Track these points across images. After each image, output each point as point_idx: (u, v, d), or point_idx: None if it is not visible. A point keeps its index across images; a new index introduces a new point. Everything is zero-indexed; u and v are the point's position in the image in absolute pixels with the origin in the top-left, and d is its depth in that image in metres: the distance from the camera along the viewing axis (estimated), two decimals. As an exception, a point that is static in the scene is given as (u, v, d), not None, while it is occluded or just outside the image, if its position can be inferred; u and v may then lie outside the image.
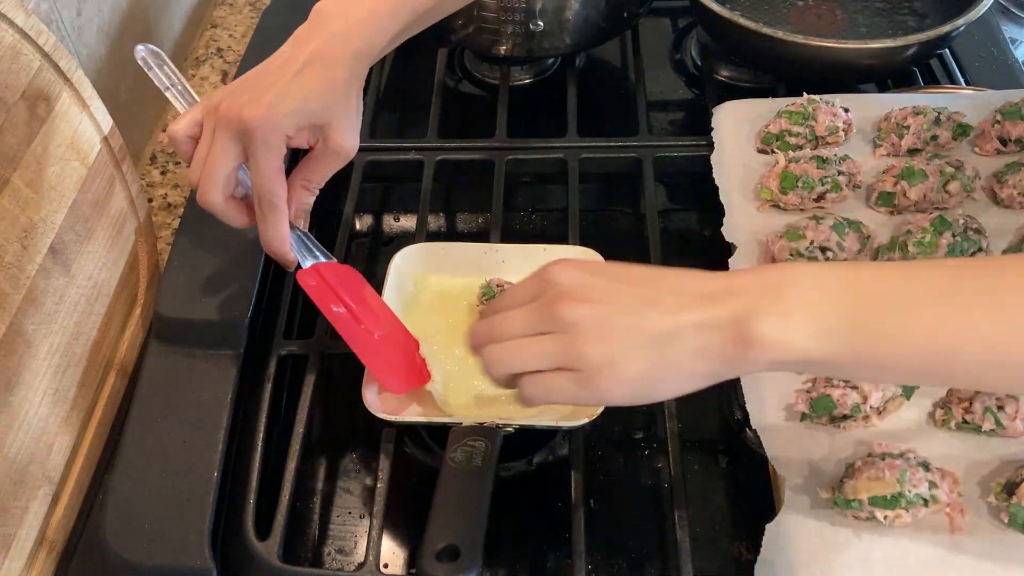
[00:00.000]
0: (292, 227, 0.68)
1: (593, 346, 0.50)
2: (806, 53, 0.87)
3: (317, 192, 0.70)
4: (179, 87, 0.73)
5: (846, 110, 0.82)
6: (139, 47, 0.73)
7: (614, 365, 0.50)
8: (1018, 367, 0.46)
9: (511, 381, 0.54)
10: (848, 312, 0.47)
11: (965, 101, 0.84)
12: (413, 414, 0.67)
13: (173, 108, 1.04)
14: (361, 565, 0.61)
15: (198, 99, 0.72)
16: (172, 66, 0.74)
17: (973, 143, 0.81)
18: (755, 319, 0.48)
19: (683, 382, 0.51)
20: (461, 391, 0.68)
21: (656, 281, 0.52)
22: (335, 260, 0.71)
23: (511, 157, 0.86)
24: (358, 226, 0.90)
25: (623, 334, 0.50)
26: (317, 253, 0.71)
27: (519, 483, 0.69)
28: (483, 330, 0.56)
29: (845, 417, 0.63)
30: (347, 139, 0.67)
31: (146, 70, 0.73)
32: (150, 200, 0.92)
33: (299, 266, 0.69)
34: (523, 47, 0.95)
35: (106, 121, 0.74)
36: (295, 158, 0.70)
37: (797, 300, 0.48)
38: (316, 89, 0.63)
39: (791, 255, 0.71)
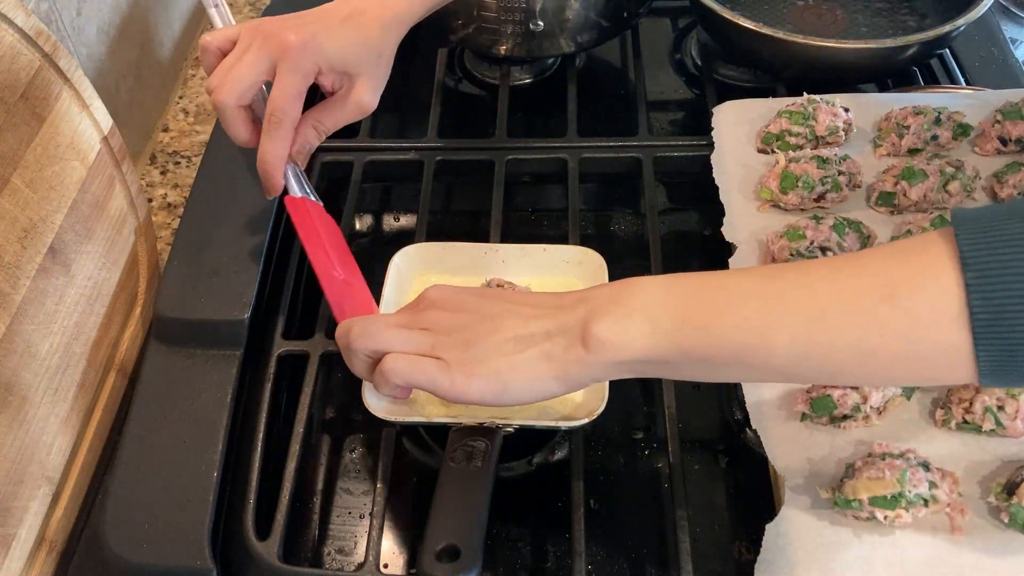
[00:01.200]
0: (290, 161, 0.72)
1: (454, 344, 0.55)
2: (806, 53, 0.87)
3: (324, 138, 0.73)
4: (222, 8, 0.75)
5: (846, 110, 0.82)
6: None
7: (471, 361, 0.54)
8: (824, 356, 0.49)
9: (371, 368, 0.58)
10: (676, 313, 0.51)
11: (965, 101, 0.84)
12: (413, 414, 0.67)
13: (173, 108, 1.04)
14: (361, 565, 0.61)
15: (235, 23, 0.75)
16: None
17: (973, 143, 0.81)
18: (595, 321, 0.52)
19: (535, 383, 0.54)
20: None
21: (519, 297, 0.58)
22: (322, 205, 0.74)
23: (511, 157, 0.86)
24: (358, 226, 0.90)
25: (482, 337, 0.55)
26: (308, 189, 0.73)
27: (519, 483, 0.69)
28: (350, 321, 0.60)
29: (845, 417, 0.63)
30: (370, 95, 0.71)
31: None
32: (150, 200, 0.92)
33: (285, 192, 0.72)
34: (523, 47, 0.95)
35: (106, 121, 0.74)
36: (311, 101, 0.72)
37: (634, 304, 0.52)
38: (356, 38, 0.68)
39: (791, 255, 0.71)
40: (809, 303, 0.49)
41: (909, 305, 0.47)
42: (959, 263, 0.46)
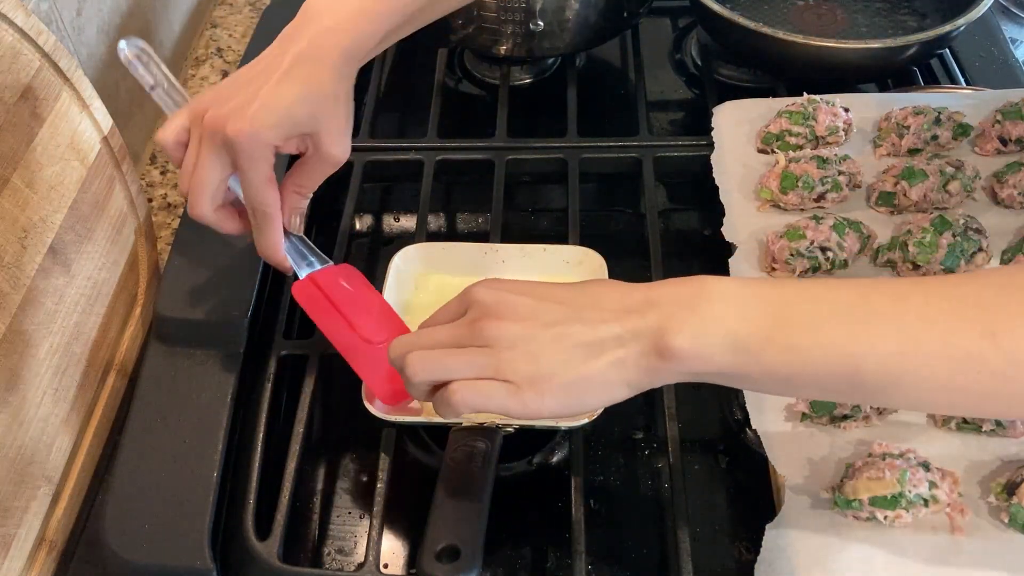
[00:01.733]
0: (287, 233, 0.68)
1: (520, 360, 0.51)
2: (806, 53, 0.87)
3: (310, 196, 0.69)
4: (165, 85, 0.70)
5: (846, 110, 0.82)
6: (122, 43, 0.69)
7: (541, 379, 0.51)
8: (912, 386, 0.48)
9: (431, 393, 0.54)
10: (759, 328, 0.49)
11: (965, 101, 0.84)
12: (413, 414, 0.67)
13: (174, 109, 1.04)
14: (361, 565, 0.61)
15: (188, 97, 0.70)
16: (159, 61, 0.71)
17: (973, 143, 0.81)
18: (672, 332, 0.49)
19: (607, 392, 0.52)
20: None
21: (577, 296, 0.53)
22: (331, 264, 0.71)
23: (511, 157, 0.86)
24: (358, 226, 0.90)
25: (547, 348, 0.51)
26: (312, 259, 0.70)
27: (519, 483, 0.69)
28: (406, 341, 0.56)
29: (845, 417, 0.63)
30: (337, 145, 0.65)
31: (131, 70, 0.70)
32: (150, 200, 0.92)
33: (295, 274, 0.69)
34: (523, 47, 0.95)
35: (106, 121, 0.74)
36: (293, 158, 0.70)
37: (711, 314, 0.49)
38: (301, 95, 0.61)
39: (791, 255, 0.71)
40: (903, 334, 0.48)
41: (1010, 347, 0.46)
42: None
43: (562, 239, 0.78)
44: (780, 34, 0.86)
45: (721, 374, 0.50)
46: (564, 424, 0.64)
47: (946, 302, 0.48)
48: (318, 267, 0.70)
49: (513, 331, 0.52)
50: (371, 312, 0.69)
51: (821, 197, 0.76)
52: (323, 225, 0.86)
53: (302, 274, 0.69)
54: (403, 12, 0.66)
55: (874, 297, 0.49)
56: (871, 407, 0.62)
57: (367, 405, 0.64)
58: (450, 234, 0.90)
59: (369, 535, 0.62)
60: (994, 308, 0.47)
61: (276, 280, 0.77)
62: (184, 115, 0.65)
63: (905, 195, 0.75)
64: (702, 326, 0.49)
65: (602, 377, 0.51)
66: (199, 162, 0.62)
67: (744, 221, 0.77)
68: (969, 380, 0.47)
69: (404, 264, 0.75)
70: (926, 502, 0.57)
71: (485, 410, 0.53)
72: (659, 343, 0.49)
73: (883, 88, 0.94)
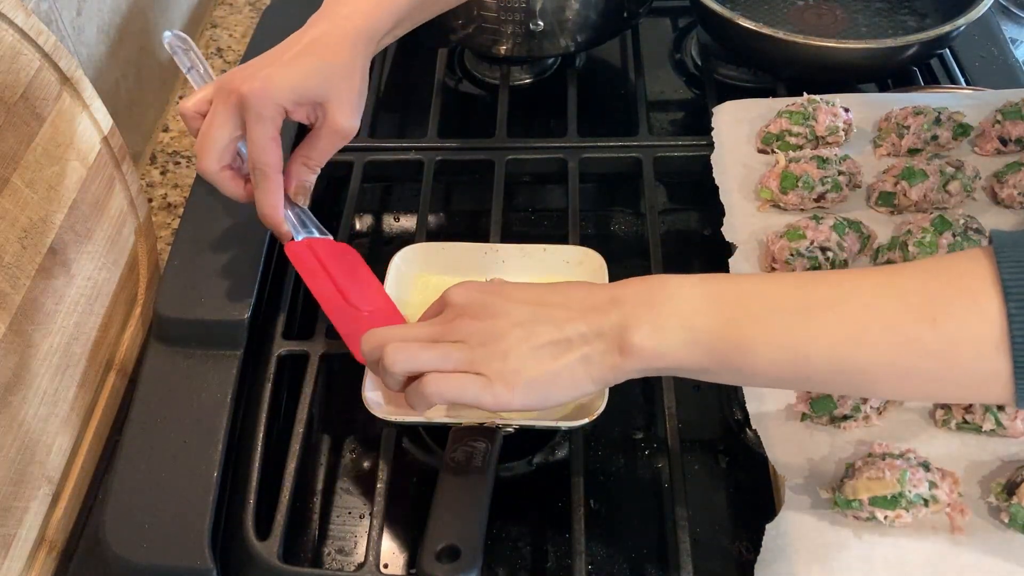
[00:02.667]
0: (291, 203, 0.70)
1: (491, 356, 0.55)
2: (806, 53, 0.87)
3: (318, 171, 0.71)
4: (200, 70, 0.76)
5: (846, 110, 0.82)
6: (167, 33, 0.77)
7: (510, 373, 0.54)
8: (856, 372, 0.50)
9: (404, 384, 0.58)
10: (712, 325, 0.52)
11: (965, 101, 0.84)
12: (413, 414, 0.67)
13: (173, 108, 1.05)
14: (361, 565, 0.61)
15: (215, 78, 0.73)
16: (197, 51, 0.77)
17: (973, 143, 0.81)
18: (631, 329, 0.52)
19: (574, 388, 0.55)
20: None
21: (547, 296, 0.57)
22: (331, 238, 0.73)
23: (511, 157, 0.86)
24: (358, 226, 0.90)
25: (517, 346, 0.54)
26: (312, 230, 0.72)
27: (519, 483, 0.69)
28: (379, 337, 0.59)
29: (845, 417, 0.63)
30: (346, 118, 0.68)
31: (171, 54, 0.76)
32: (150, 200, 0.92)
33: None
34: (523, 47, 0.95)
35: (106, 121, 0.74)
36: (301, 135, 0.71)
37: (668, 311, 0.52)
38: (316, 65, 0.65)
39: (791, 255, 0.71)
40: (847, 322, 0.50)
41: (949, 329, 0.47)
42: (1001, 290, 0.46)
43: (562, 239, 0.78)
44: (780, 34, 0.86)
45: (680, 368, 0.53)
46: (564, 424, 0.64)
47: (887, 289, 0.50)
48: (317, 235, 0.72)
49: (485, 329, 0.56)
50: (363, 285, 0.71)
51: (821, 197, 0.76)
52: (323, 225, 0.86)
53: (298, 236, 0.71)
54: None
55: (821, 289, 0.52)
56: (871, 407, 0.62)
57: (367, 405, 0.64)
58: (450, 234, 0.90)
59: (369, 535, 0.62)
60: (933, 292, 0.49)
61: (276, 280, 0.77)
62: (208, 89, 0.68)
63: (905, 195, 0.75)
64: (659, 324, 0.52)
65: (568, 373, 0.54)
66: (210, 119, 0.66)
67: (744, 221, 0.77)
68: (913, 364, 0.48)
69: (404, 264, 0.75)
70: (926, 502, 0.57)
71: (458, 401, 0.56)
72: (620, 340, 0.52)
73: (883, 88, 0.94)
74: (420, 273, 0.76)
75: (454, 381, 0.55)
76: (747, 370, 0.52)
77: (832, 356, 0.50)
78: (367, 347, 0.59)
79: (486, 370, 0.55)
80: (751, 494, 0.65)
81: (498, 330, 0.55)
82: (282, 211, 0.69)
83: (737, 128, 0.84)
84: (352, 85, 0.67)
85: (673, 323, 0.52)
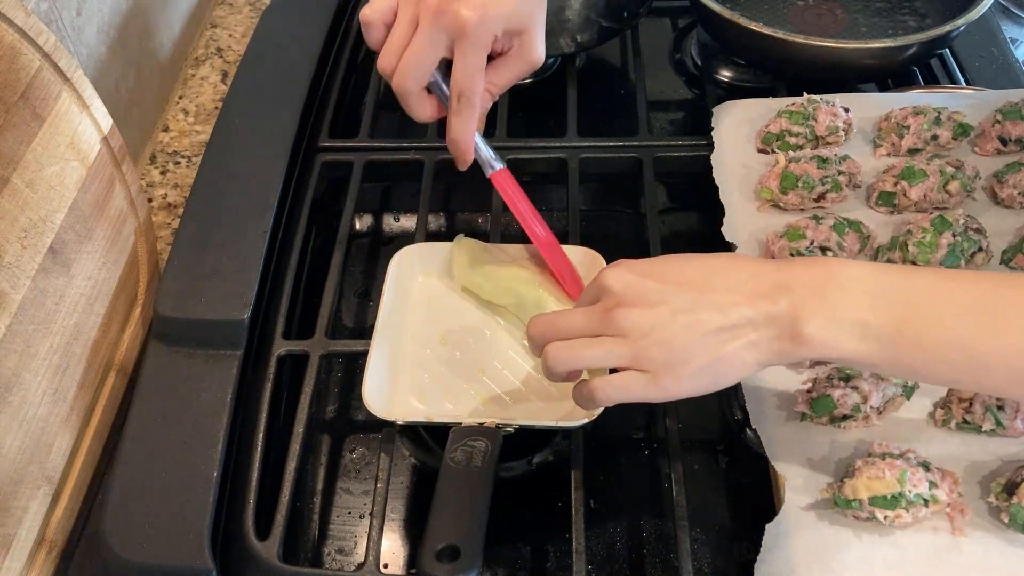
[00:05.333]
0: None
1: (654, 348, 0.53)
2: (806, 53, 0.86)
3: (497, 97, 0.71)
4: None
5: (846, 110, 0.82)
6: None
7: (677, 364, 0.53)
8: None
9: (567, 378, 0.58)
10: (889, 320, 0.50)
11: (965, 101, 0.84)
12: (413, 414, 0.67)
13: (173, 108, 1.04)
14: (361, 565, 0.61)
15: None
16: None
17: (973, 143, 0.81)
18: (803, 320, 0.51)
19: (740, 371, 0.54)
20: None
21: (707, 277, 0.55)
22: (505, 166, 0.74)
23: (511, 157, 0.86)
24: (358, 226, 0.90)
25: (682, 334, 0.53)
26: (495, 155, 0.73)
27: (519, 483, 0.69)
28: (543, 326, 0.58)
29: (845, 417, 0.63)
30: (540, 47, 0.68)
31: None
32: (150, 200, 0.92)
33: (474, 166, 0.72)
34: (523, 47, 0.94)
35: (106, 121, 0.74)
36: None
37: (843, 303, 0.51)
38: None
39: (791, 255, 0.71)
40: None
41: None
42: None
43: (562, 239, 0.77)
44: (780, 34, 0.86)
45: (849, 361, 0.52)
46: (564, 424, 0.64)
47: None
48: (502, 165, 0.73)
49: (645, 319, 0.54)
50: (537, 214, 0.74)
51: (821, 197, 0.76)
52: (323, 225, 0.86)
53: (497, 165, 0.72)
54: None
55: (1004, 292, 0.50)
56: (871, 407, 0.62)
57: (367, 405, 0.64)
58: (450, 234, 0.90)
59: (369, 535, 0.62)
60: None
61: (276, 280, 0.77)
62: None
63: (905, 195, 0.75)
64: (833, 315, 0.51)
65: (736, 358, 0.53)
66: (417, 39, 0.64)
67: (744, 221, 0.77)
68: None
69: (404, 264, 0.75)
70: (926, 502, 0.57)
71: (627, 402, 0.55)
72: (792, 330, 0.51)
73: (883, 88, 0.94)
74: (420, 273, 0.76)
75: (620, 383, 0.55)
76: (921, 369, 0.51)
77: (1012, 367, 0.49)
78: (533, 334, 0.59)
79: (650, 365, 0.53)
80: (751, 494, 0.65)
81: (660, 319, 0.53)
82: (474, 138, 0.70)
83: (737, 128, 0.84)
84: (543, 13, 0.68)
85: (847, 316, 0.51)
